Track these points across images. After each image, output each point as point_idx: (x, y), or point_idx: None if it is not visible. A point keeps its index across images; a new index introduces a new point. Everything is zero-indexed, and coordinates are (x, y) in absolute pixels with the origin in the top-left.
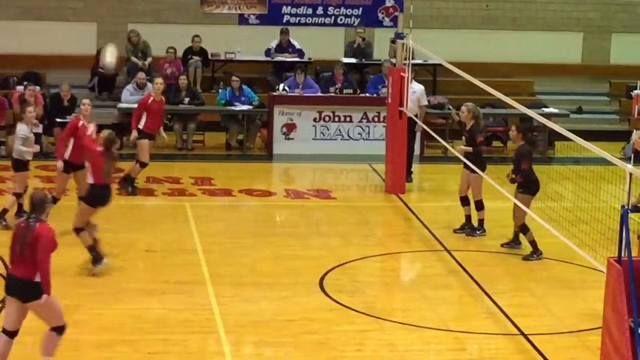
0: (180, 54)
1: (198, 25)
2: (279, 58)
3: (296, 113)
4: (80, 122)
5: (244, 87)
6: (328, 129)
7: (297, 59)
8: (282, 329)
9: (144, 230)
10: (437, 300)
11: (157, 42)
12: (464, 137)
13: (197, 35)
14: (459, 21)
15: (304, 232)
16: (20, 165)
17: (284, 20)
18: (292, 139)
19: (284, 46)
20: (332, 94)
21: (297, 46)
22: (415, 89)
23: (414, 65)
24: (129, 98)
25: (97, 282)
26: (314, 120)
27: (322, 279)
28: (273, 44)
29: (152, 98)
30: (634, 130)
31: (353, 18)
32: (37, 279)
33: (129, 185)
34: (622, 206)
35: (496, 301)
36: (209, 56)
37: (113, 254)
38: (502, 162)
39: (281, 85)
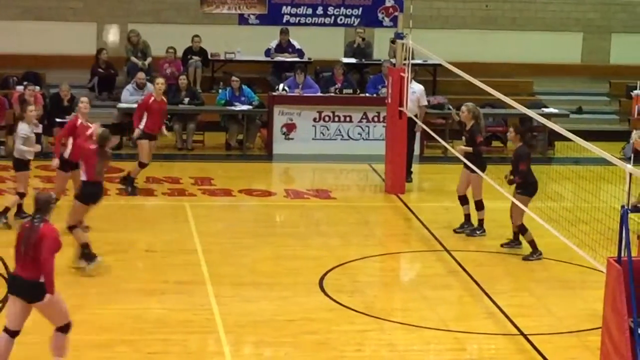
0: (180, 54)
1: (198, 25)
2: (279, 58)
3: (296, 113)
4: (79, 121)
5: (244, 87)
6: (328, 129)
7: (297, 59)
8: (281, 329)
9: (143, 230)
10: (436, 300)
11: (157, 42)
12: (464, 137)
13: (197, 35)
14: (458, 21)
15: (303, 232)
16: (21, 165)
17: (284, 20)
18: (292, 139)
19: (284, 46)
20: (332, 94)
21: (297, 46)
22: (415, 89)
23: (413, 65)
24: (128, 98)
25: (97, 282)
26: (314, 120)
27: (321, 279)
28: (273, 44)
29: (153, 98)
30: (634, 130)
31: (353, 18)
32: (43, 279)
33: (129, 184)
34: (622, 206)
35: (496, 301)
36: (209, 56)
37: (114, 253)
38: (502, 162)
39: (281, 85)
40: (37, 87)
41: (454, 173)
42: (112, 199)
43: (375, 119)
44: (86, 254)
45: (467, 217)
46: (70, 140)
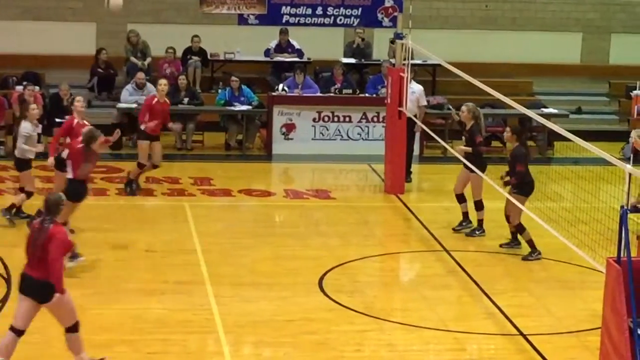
0: (179, 54)
1: (197, 26)
2: (278, 58)
3: (295, 113)
4: (75, 121)
5: (243, 87)
6: (327, 129)
7: (297, 59)
8: (281, 329)
9: (143, 230)
10: (436, 300)
11: (156, 42)
12: (463, 137)
13: (196, 36)
14: (458, 21)
15: (303, 232)
16: (23, 164)
17: (284, 21)
18: (292, 139)
19: (284, 46)
20: (332, 94)
21: (297, 46)
22: (415, 89)
23: (413, 65)
24: (128, 98)
25: (96, 282)
26: (314, 120)
27: (321, 279)
28: (272, 44)
29: (155, 99)
30: (633, 130)
31: (352, 18)
32: (51, 279)
33: (128, 185)
34: (622, 206)
35: (495, 301)
36: (208, 56)
37: (114, 253)
38: (501, 162)
39: (280, 86)
40: (37, 87)
41: (453, 173)
42: (112, 199)
43: (375, 119)
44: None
45: (465, 215)
46: (68, 140)
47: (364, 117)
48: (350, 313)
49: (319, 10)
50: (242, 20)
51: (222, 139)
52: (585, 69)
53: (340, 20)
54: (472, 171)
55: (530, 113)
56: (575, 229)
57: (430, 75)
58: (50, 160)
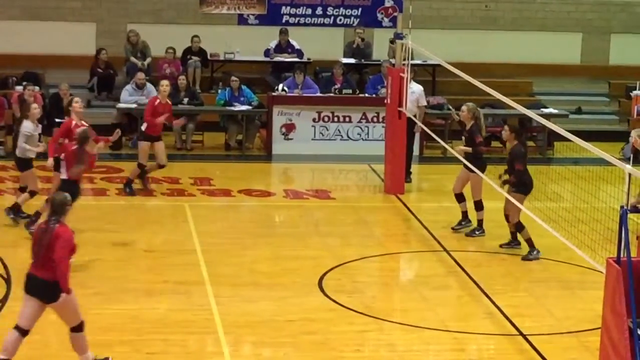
0: (179, 54)
1: (197, 26)
2: (278, 58)
3: (295, 113)
4: (74, 122)
5: (243, 87)
6: (327, 129)
7: (296, 59)
8: (281, 330)
9: (143, 231)
10: (436, 300)
11: (156, 42)
12: (463, 138)
13: (196, 36)
14: (458, 21)
15: (303, 233)
16: (24, 164)
17: (283, 21)
18: (291, 139)
19: (283, 46)
20: (332, 95)
21: (297, 46)
22: (415, 90)
23: (413, 65)
24: (128, 98)
25: (96, 282)
26: (313, 120)
27: (321, 279)
28: (272, 44)
29: (158, 101)
30: (633, 130)
31: (352, 18)
32: (57, 279)
33: (146, 183)
34: (621, 206)
35: (495, 301)
36: (208, 56)
37: (113, 253)
38: (501, 163)
39: (280, 86)
40: (37, 87)
41: (453, 173)
42: (111, 199)
43: (375, 119)
44: None
45: (465, 214)
46: (67, 141)
47: (363, 117)
48: (350, 313)
49: (319, 11)
50: (242, 20)
51: (222, 139)
52: (585, 69)
53: (340, 20)
54: (472, 171)
55: (530, 113)
56: (575, 229)
57: (430, 76)
58: (50, 161)
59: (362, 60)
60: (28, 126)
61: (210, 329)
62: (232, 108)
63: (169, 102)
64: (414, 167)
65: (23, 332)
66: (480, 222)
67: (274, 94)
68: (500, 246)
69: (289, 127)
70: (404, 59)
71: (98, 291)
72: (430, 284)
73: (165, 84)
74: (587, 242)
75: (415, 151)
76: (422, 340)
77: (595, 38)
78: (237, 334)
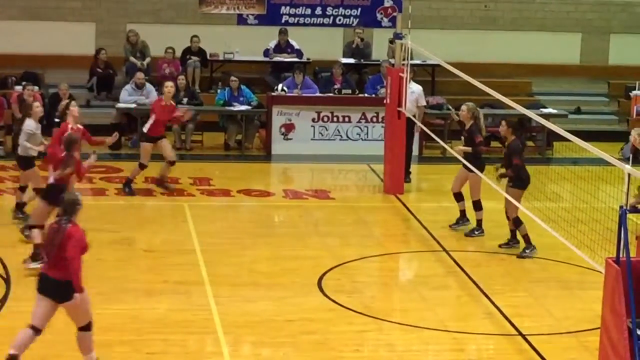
0: (178, 54)
1: (197, 26)
2: (278, 58)
3: (295, 113)
4: (69, 126)
5: (243, 87)
6: (327, 129)
7: (296, 59)
8: (280, 330)
9: (142, 230)
10: (435, 300)
11: (155, 42)
12: (462, 137)
13: (195, 36)
14: (457, 21)
15: (302, 233)
16: (26, 163)
17: (283, 21)
18: (291, 139)
19: (283, 46)
20: (331, 95)
21: (296, 46)
22: (414, 90)
23: (412, 65)
24: (127, 98)
25: (96, 282)
26: (313, 120)
27: (320, 279)
28: (272, 44)
29: (163, 102)
30: (633, 129)
31: (352, 18)
32: (70, 278)
33: (165, 184)
34: (621, 207)
35: (494, 301)
36: (208, 56)
37: (113, 253)
38: (500, 163)
39: (280, 86)
40: (36, 87)
41: (452, 173)
42: (111, 199)
43: (374, 119)
44: (36, 253)
45: (463, 212)
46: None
47: (363, 117)
48: (349, 313)
49: (318, 11)
50: (241, 20)
51: (221, 139)
52: (584, 69)
53: (340, 20)
54: (471, 171)
55: (529, 113)
56: (574, 229)
57: (430, 76)
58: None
59: (362, 60)
60: (30, 124)
61: (209, 329)
62: (232, 108)
63: (173, 103)
64: (414, 167)
65: (37, 330)
66: (479, 222)
67: (273, 94)
68: (500, 246)
69: (289, 127)
70: (404, 59)
71: (98, 291)
72: (429, 284)
73: (169, 85)
74: (586, 242)
75: (415, 151)
76: (421, 340)
77: (594, 38)
78: (236, 334)
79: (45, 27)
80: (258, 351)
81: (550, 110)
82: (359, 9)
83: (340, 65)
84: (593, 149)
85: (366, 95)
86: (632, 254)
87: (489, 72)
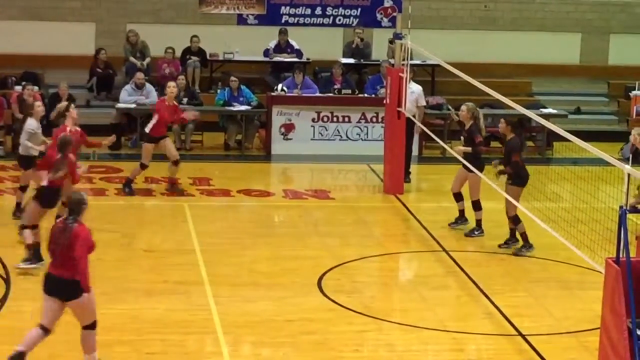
0: (178, 54)
1: (196, 26)
2: (278, 58)
3: (294, 113)
4: (68, 128)
5: (243, 87)
6: (326, 130)
7: (296, 59)
8: (280, 330)
9: (142, 231)
10: (435, 300)
11: (155, 42)
12: (462, 137)
13: (195, 36)
14: (457, 22)
15: (302, 233)
16: (27, 162)
17: (283, 21)
18: (291, 139)
19: (283, 46)
20: (331, 95)
21: (296, 46)
22: (414, 90)
23: (412, 65)
24: (127, 98)
25: (95, 283)
26: (313, 120)
27: (320, 279)
28: (271, 44)
29: (166, 102)
30: (633, 129)
31: (351, 18)
32: (77, 278)
33: (175, 187)
34: (621, 207)
35: (494, 301)
36: (208, 56)
37: (112, 253)
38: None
39: (279, 86)
40: (36, 87)
41: (452, 173)
42: (111, 199)
43: (374, 119)
44: (30, 254)
45: (462, 212)
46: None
47: (363, 117)
48: (349, 313)
49: (318, 11)
50: (241, 20)
51: (221, 139)
52: (584, 70)
53: (340, 20)
54: (471, 171)
55: (529, 113)
56: (574, 229)
57: (430, 76)
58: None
59: (362, 60)
60: (32, 124)
61: (209, 329)
62: (232, 108)
63: (176, 104)
64: (413, 167)
65: (46, 330)
66: (478, 222)
67: (273, 94)
68: (499, 246)
69: (288, 127)
70: (403, 59)
71: (97, 291)
72: (429, 284)
73: (172, 85)
74: (586, 242)
75: (415, 151)
76: (421, 340)
77: (594, 38)
78: (236, 334)
79: (45, 27)
80: (258, 351)
81: (550, 110)
82: (359, 9)
83: (340, 65)
84: (593, 149)
85: (366, 95)
86: (632, 254)
87: (489, 72)
